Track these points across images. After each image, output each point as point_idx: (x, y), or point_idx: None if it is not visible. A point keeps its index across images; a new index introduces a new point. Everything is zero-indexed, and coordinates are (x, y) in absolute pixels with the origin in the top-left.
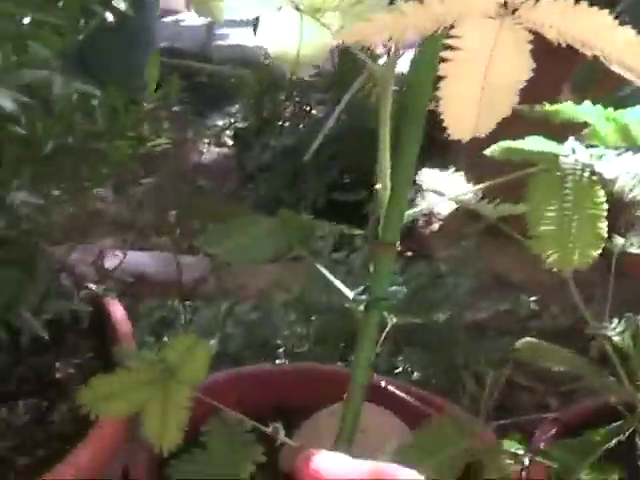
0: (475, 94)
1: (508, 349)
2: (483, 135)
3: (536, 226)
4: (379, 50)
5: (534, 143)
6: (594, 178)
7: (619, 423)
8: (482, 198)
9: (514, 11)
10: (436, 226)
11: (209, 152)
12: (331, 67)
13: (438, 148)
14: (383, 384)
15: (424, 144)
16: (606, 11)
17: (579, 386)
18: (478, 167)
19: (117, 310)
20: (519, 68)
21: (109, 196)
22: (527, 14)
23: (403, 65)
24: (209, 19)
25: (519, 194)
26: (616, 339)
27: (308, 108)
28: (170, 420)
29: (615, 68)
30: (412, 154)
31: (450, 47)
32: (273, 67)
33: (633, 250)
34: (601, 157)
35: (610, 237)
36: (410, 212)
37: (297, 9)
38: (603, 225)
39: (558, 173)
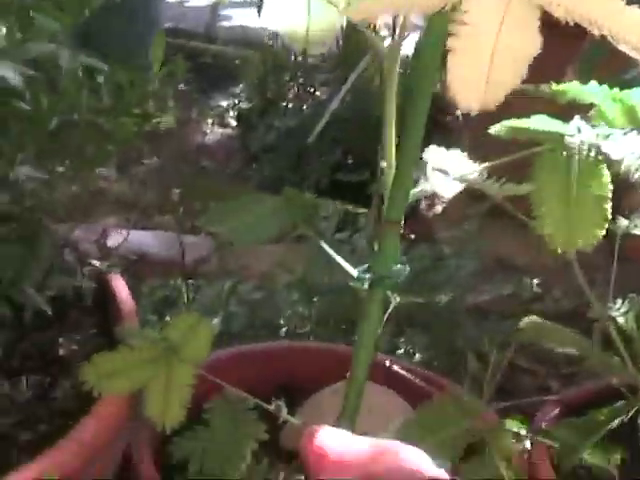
0: (483, 66)
1: (510, 332)
2: (490, 108)
3: (541, 206)
4: (383, 32)
5: (539, 122)
6: (600, 158)
7: (622, 403)
8: (487, 178)
9: None
10: (439, 208)
11: (213, 133)
12: (335, 49)
13: (441, 130)
14: (387, 363)
15: (427, 127)
16: None
17: (580, 369)
18: (482, 147)
19: (121, 288)
20: (528, 42)
21: (112, 175)
22: None
23: (407, 48)
24: (213, 0)
25: (523, 174)
26: (620, 320)
27: (312, 89)
28: (173, 398)
29: (622, 48)
30: (417, 136)
31: (458, 22)
32: (277, 48)
33: (637, 232)
34: (608, 137)
35: (614, 219)
36: (415, 191)
37: None
38: (608, 206)
39: (564, 153)
